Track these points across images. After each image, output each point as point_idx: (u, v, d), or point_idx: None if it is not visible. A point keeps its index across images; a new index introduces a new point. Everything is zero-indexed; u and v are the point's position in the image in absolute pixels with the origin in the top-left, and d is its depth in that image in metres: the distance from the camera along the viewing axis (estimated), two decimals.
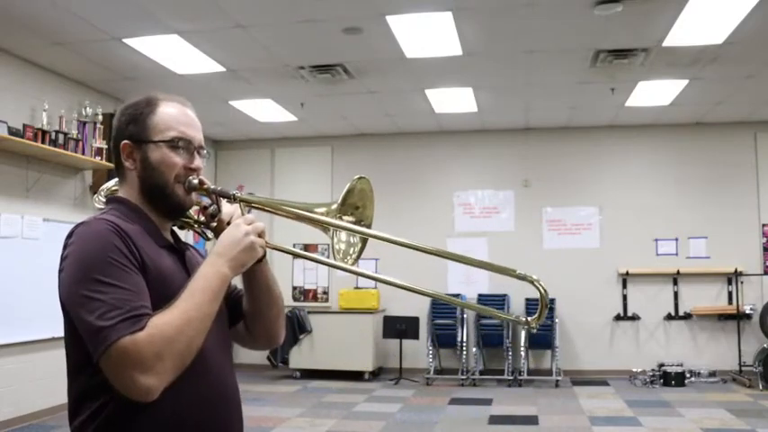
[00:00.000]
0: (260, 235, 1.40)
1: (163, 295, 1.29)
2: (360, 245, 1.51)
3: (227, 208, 1.47)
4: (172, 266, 1.40)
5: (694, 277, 8.64)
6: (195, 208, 1.51)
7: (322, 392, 7.77)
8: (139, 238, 1.34)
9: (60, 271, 1.29)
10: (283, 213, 1.47)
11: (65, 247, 1.31)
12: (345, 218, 1.48)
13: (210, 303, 1.30)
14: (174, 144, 1.41)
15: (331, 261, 1.49)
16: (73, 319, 1.25)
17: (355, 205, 1.50)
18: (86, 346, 1.23)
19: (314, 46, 5.96)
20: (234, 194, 1.46)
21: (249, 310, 1.55)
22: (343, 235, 1.49)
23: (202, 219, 1.52)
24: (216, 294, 1.31)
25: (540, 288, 1.35)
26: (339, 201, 1.47)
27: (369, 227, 1.50)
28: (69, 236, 1.31)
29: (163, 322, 1.22)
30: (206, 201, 1.49)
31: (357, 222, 1.49)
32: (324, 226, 1.46)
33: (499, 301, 8.67)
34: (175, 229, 1.55)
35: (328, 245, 1.50)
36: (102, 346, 1.18)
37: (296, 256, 1.55)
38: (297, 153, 9.74)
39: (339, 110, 8.23)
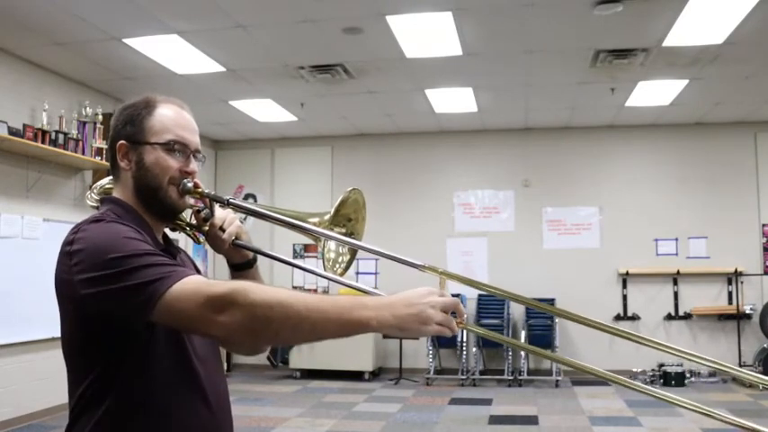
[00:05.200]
0: (455, 314, 1.21)
1: None
2: (348, 256, 1.51)
3: (219, 212, 1.47)
4: None
5: (694, 277, 8.64)
6: (188, 211, 1.51)
7: (322, 392, 7.77)
8: None
9: (74, 265, 1.25)
10: (274, 221, 1.46)
11: (70, 242, 1.28)
12: (337, 229, 1.48)
13: (324, 323, 1.16)
14: (169, 147, 1.40)
15: (320, 272, 1.48)
16: (100, 303, 1.21)
17: (348, 217, 1.50)
18: (86, 350, 1.23)
19: (314, 46, 5.96)
20: (227, 200, 1.46)
21: None
22: (333, 245, 1.49)
23: (194, 222, 1.52)
24: (341, 325, 1.16)
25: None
26: (332, 211, 1.46)
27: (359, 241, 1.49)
28: (75, 231, 1.29)
29: (257, 286, 1.19)
30: (199, 204, 1.48)
31: (347, 235, 1.49)
32: (314, 236, 1.46)
33: (499, 303, 8.66)
34: (167, 231, 1.54)
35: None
36: (160, 290, 1.17)
37: (279, 261, 1.54)
38: (297, 153, 9.74)
39: (339, 110, 8.23)
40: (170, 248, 1.47)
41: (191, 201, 1.46)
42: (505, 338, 1.41)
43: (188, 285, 1.18)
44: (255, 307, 1.15)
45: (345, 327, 1.16)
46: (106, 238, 1.25)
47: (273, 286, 1.20)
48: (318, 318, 1.15)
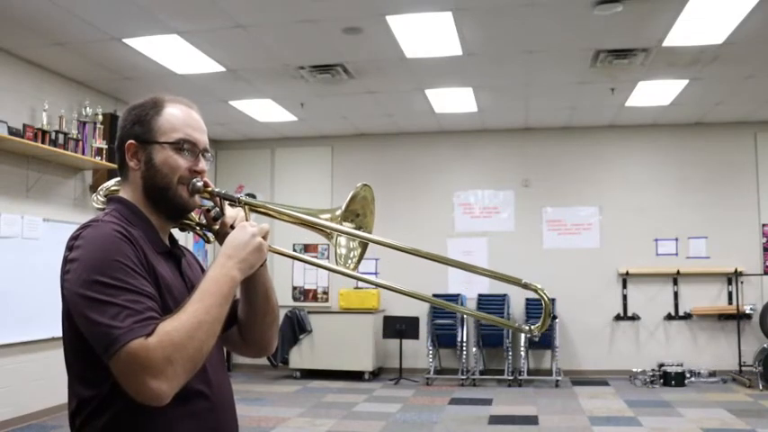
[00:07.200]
0: (264, 237, 1.40)
1: (162, 303, 1.29)
2: (359, 250, 1.51)
3: (229, 211, 1.47)
4: (169, 273, 1.40)
5: (694, 277, 8.64)
6: (197, 209, 1.51)
7: (322, 392, 7.77)
8: (142, 244, 1.33)
9: (66, 272, 1.27)
10: (287, 218, 1.46)
11: (70, 248, 1.29)
12: (346, 224, 1.49)
13: (220, 307, 1.28)
14: (178, 146, 1.41)
15: (333, 266, 1.49)
16: (78, 321, 1.23)
17: (356, 212, 1.51)
18: (89, 357, 1.23)
19: (314, 46, 5.96)
20: (239, 198, 1.46)
21: (244, 317, 1.53)
22: (343, 240, 1.50)
23: (203, 221, 1.52)
24: (225, 297, 1.30)
25: (545, 296, 1.35)
26: (343, 207, 1.47)
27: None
28: (75, 237, 1.30)
29: (172, 327, 1.21)
30: (208, 203, 1.48)
31: (357, 230, 1.50)
32: (327, 231, 1.46)
33: (499, 301, 8.67)
34: (176, 231, 1.54)
35: (328, 245, 1.51)
36: (113, 348, 1.17)
37: (298, 260, 1.59)
38: (297, 153, 9.74)
39: (339, 110, 8.23)
40: (175, 250, 1.48)
41: (200, 200, 1.46)
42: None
43: (134, 349, 1.17)
44: (183, 357, 1.20)
45: (228, 299, 1.31)
46: (99, 254, 1.25)
47: (181, 314, 1.23)
48: (216, 312, 1.27)
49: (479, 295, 8.77)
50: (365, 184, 1.52)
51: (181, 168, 1.41)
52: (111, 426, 1.27)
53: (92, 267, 1.23)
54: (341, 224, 1.47)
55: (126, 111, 1.46)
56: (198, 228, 1.54)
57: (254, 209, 1.47)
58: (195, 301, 1.26)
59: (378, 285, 1.41)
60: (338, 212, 1.47)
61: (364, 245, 1.51)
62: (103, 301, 1.20)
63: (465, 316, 8.64)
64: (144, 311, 1.21)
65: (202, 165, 1.45)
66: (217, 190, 1.45)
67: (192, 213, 1.52)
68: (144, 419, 1.26)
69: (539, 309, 8.50)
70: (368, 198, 1.52)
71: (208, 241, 1.54)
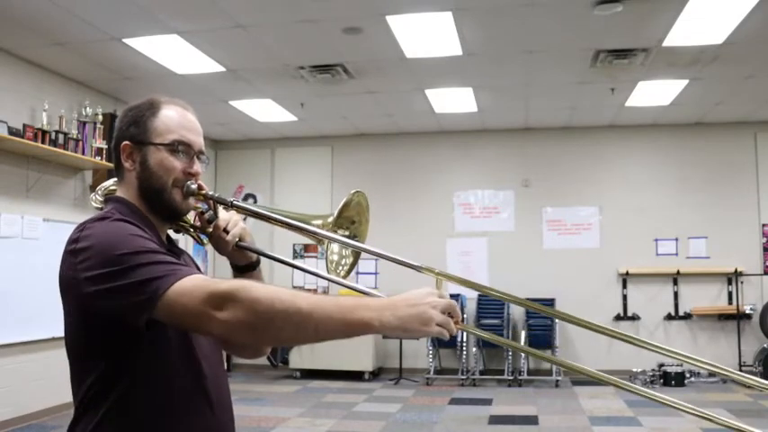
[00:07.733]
0: (451, 315, 1.18)
1: None
2: (351, 259, 1.51)
3: (223, 214, 1.48)
4: None
5: (694, 277, 8.64)
6: (192, 212, 1.51)
7: (322, 392, 7.77)
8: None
9: (80, 262, 1.25)
10: (277, 223, 1.46)
11: (76, 240, 1.28)
12: (340, 231, 1.48)
13: (328, 322, 1.15)
14: (173, 148, 1.41)
15: (323, 274, 1.48)
16: (105, 303, 1.21)
17: (351, 219, 1.50)
18: (92, 350, 1.24)
19: (314, 46, 5.96)
20: (231, 201, 1.46)
21: None
22: (336, 247, 1.49)
23: (198, 223, 1.52)
24: (344, 325, 1.15)
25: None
26: (335, 214, 1.47)
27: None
28: (81, 230, 1.30)
29: (261, 286, 1.18)
30: (204, 205, 1.48)
31: (351, 238, 1.48)
32: (317, 238, 1.46)
33: (499, 303, 8.66)
34: (171, 232, 1.55)
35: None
36: (162, 288, 1.17)
37: (288, 265, 1.54)
38: (297, 153, 9.74)
39: (339, 110, 8.23)
40: (173, 249, 1.48)
41: (194, 203, 1.46)
42: (502, 340, 1.40)
43: (190, 282, 1.19)
44: (257, 304, 1.14)
45: (348, 327, 1.15)
46: (112, 235, 1.26)
47: (276, 286, 1.20)
48: (321, 317, 1.14)
49: (479, 296, 8.75)
50: (358, 191, 1.51)
51: (175, 170, 1.41)
52: (107, 420, 1.27)
53: (112, 246, 1.23)
54: (335, 231, 1.46)
55: (123, 112, 1.46)
56: (192, 230, 1.54)
57: (243, 212, 1.48)
58: (318, 296, 1.17)
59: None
60: (330, 219, 1.47)
61: (357, 254, 1.50)
62: (137, 265, 1.20)
63: (465, 316, 8.64)
64: (184, 267, 1.23)
65: (197, 167, 1.44)
66: (210, 193, 1.46)
67: (188, 216, 1.52)
68: (142, 414, 1.27)
69: (534, 310, 8.48)
70: (362, 204, 1.51)
71: (202, 243, 1.55)
